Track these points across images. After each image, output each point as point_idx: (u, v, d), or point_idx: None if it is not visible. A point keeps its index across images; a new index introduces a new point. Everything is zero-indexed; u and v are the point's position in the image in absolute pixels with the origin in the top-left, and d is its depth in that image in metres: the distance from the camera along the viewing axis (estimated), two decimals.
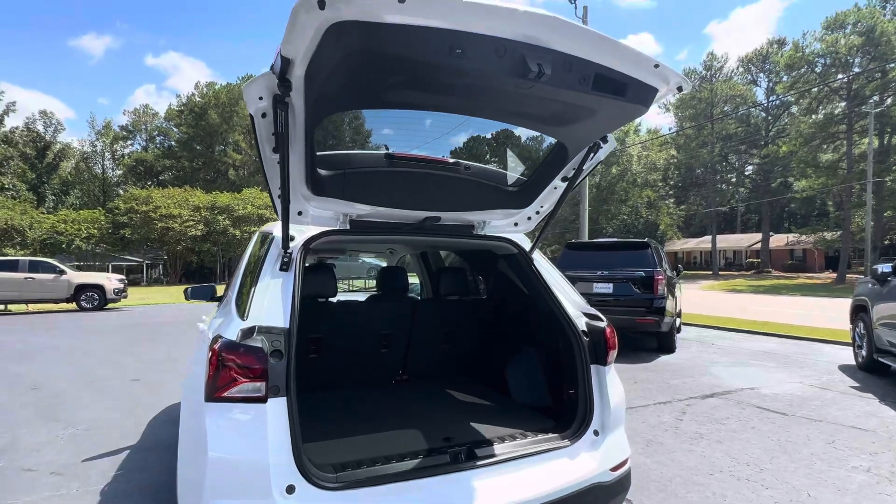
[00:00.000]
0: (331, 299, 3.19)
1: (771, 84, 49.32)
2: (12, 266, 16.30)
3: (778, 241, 49.32)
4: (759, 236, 50.26)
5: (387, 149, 2.33)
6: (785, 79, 40.14)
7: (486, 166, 2.59)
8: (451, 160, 2.44)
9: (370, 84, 1.66)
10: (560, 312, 2.57)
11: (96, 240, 37.90)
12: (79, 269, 22.44)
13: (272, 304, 2.01)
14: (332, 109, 1.87)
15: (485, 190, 2.54)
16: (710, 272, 47.48)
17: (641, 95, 1.82)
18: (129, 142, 61.73)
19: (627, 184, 46.81)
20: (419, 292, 4.99)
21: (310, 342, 3.18)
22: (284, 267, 2.15)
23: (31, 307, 17.16)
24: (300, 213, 2.27)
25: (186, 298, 3.85)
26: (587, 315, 2.60)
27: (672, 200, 55.35)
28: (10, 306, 16.80)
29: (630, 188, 46.89)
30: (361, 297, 3.90)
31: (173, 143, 58.70)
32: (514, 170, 2.77)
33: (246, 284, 2.30)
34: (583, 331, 2.48)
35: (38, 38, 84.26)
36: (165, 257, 40.50)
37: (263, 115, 1.74)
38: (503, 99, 1.80)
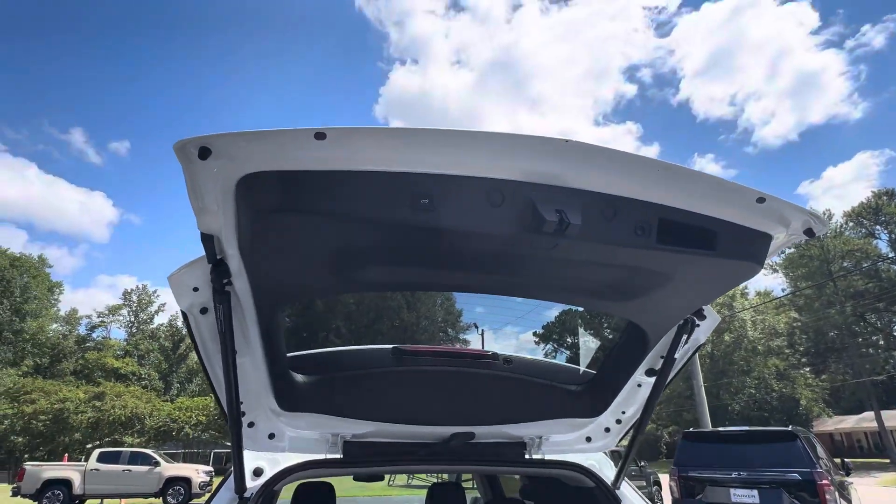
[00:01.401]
0: None
1: (893, 236, 44.97)
2: (114, 458, 16.88)
3: None
4: None
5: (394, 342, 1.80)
6: None
7: (537, 358, 1.93)
8: (486, 351, 1.83)
9: (330, 259, 1.22)
10: None
11: (203, 426, 39.46)
12: (184, 457, 22.85)
13: None
14: (294, 295, 1.43)
15: (538, 391, 1.84)
16: (888, 459, 37.66)
17: (745, 247, 1.19)
18: None
19: (746, 352, 41.59)
20: None
21: None
22: None
23: (123, 501, 17.14)
24: (272, 437, 1.71)
25: None
26: None
27: (808, 370, 47.68)
28: (105, 500, 16.91)
29: (751, 357, 41.49)
30: None
31: None
32: (579, 361, 2.06)
33: None
34: None
35: None
36: None
37: (203, 311, 1.33)
38: (519, 266, 1.25)
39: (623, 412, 1.91)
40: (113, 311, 57.30)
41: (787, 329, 45.59)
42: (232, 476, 1.60)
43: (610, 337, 1.92)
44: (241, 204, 1.02)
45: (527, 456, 1.91)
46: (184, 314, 1.37)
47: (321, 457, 1.75)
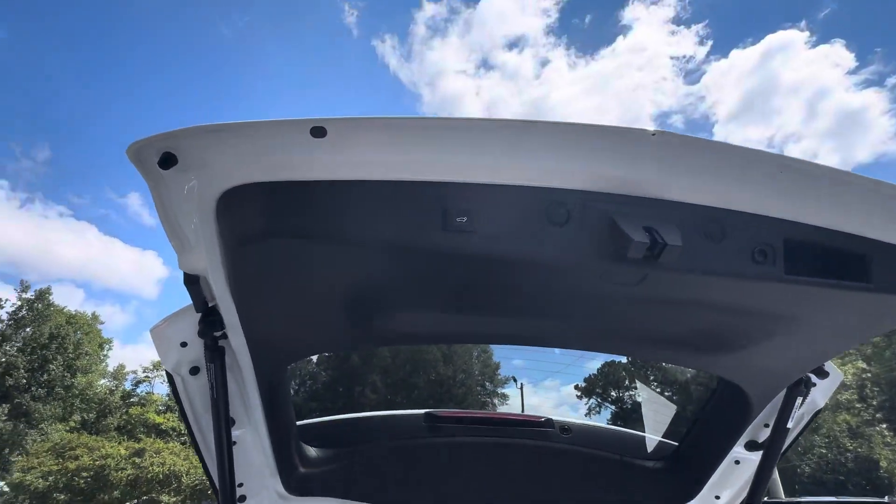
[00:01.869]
0: None
1: None
2: None
3: None
4: None
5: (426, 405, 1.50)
6: None
7: (604, 426, 1.57)
8: (538, 417, 1.49)
9: (344, 300, 0.96)
10: None
11: None
12: None
13: None
14: (302, 350, 1.16)
15: (605, 469, 1.48)
16: None
17: None
18: None
19: None
20: None
21: None
22: None
23: None
24: None
25: None
26: None
27: (884, 426, 43.22)
28: None
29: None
30: None
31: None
32: (657, 429, 1.67)
33: None
34: None
35: None
36: None
37: (193, 371, 1.08)
38: (590, 308, 0.96)
39: (717, 497, 1.50)
40: (157, 366, 58.51)
41: (856, 381, 41.81)
42: None
43: (697, 398, 1.54)
44: (226, 231, 0.79)
45: None
46: (169, 376, 1.13)
47: None
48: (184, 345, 1.13)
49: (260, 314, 0.99)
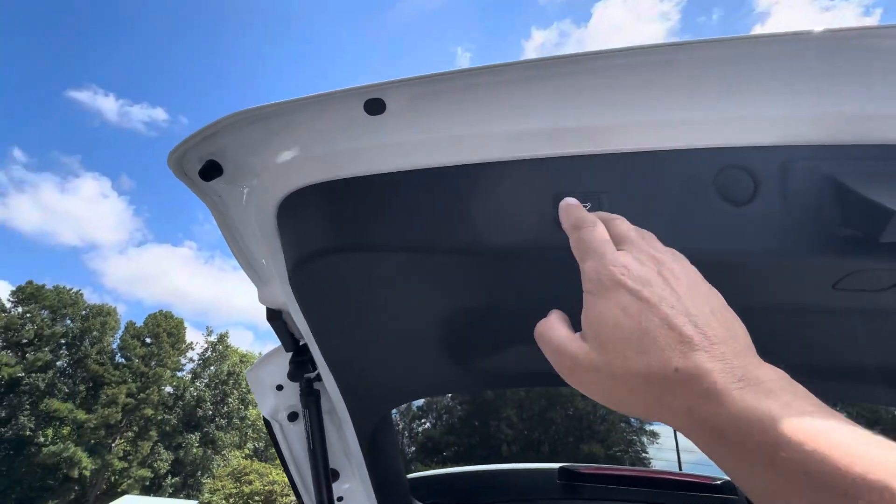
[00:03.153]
0: None
1: None
2: None
3: None
4: None
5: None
6: None
7: None
8: (711, 478, 1.13)
9: (444, 326, 0.77)
10: None
11: None
12: None
13: None
14: (402, 396, 0.99)
15: None
16: None
17: None
18: None
19: None
20: None
21: None
22: None
23: None
24: None
25: None
26: None
27: None
28: None
29: None
30: None
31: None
32: None
33: None
34: None
35: None
36: None
37: (292, 418, 0.98)
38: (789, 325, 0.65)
39: None
40: None
41: None
42: None
43: None
44: (289, 251, 0.67)
45: None
46: (266, 422, 1.04)
47: None
48: (279, 388, 1.03)
49: (345, 350, 0.85)
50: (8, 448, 47.08)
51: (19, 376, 49.29)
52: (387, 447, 1.07)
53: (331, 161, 0.58)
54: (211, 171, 0.58)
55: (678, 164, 0.53)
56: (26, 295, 53.34)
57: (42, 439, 47.52)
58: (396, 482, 1.12)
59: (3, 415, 47.07)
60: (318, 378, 0.93)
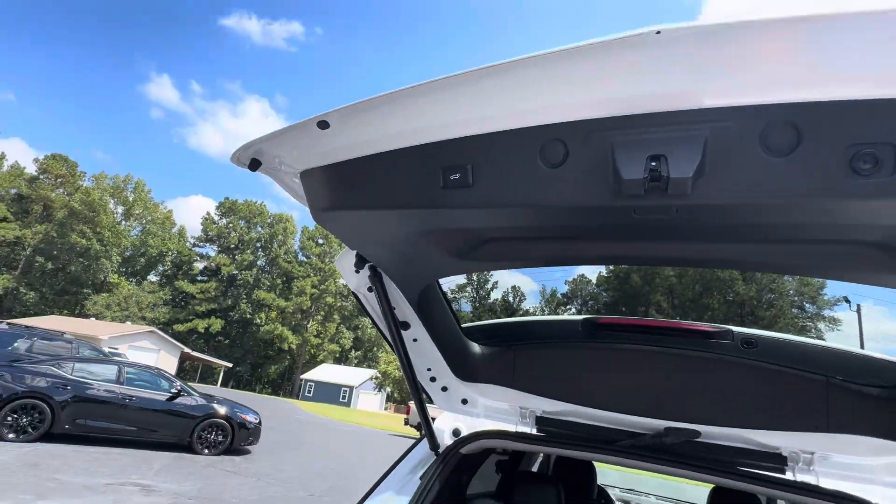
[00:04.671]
0: None
1: None
2: None
3: None
4: None
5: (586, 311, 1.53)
6: None
7: (799, 339, 1.32)
8: (715, 327, 1.36)
9: (406, 244, 1.21)
10: None
11: None
12: None
13: None
14: (421, 276, 1.38)
15: (801, 387, 1.27)
16: None
17: None
18: None
19: None
20: None
21: None
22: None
23: None
24: (465, 402, 1.69)
25: None
26: None
27: None
28: None
29: None
30: None
31: None
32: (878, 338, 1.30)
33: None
34: None
35: None
36: None
37: (370, 289, 1.42)
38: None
39: None
40: None
41: None
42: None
43: None
44: (312, 202, 1.15)
45: (789, 476, 1.30)
46: (354, 294, 1.50)
47: (511, 428, 1.66)
48: (356, 269, 1.39)
49: (373, 254, 1.33)
50: (238, 327, 61.27)
51: (234, 273, 62.18)
52: (436, 306, 1.48)
53: (309, 157, 1.04)
54: (255, 163, 1.05)
55: (515, 139, 0.82)
56: (226, 209, 65.30)
57: (258, 321, 60.48)
58: (450, 329, 1.53)
59: (230, 303, 60.78)
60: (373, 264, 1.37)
